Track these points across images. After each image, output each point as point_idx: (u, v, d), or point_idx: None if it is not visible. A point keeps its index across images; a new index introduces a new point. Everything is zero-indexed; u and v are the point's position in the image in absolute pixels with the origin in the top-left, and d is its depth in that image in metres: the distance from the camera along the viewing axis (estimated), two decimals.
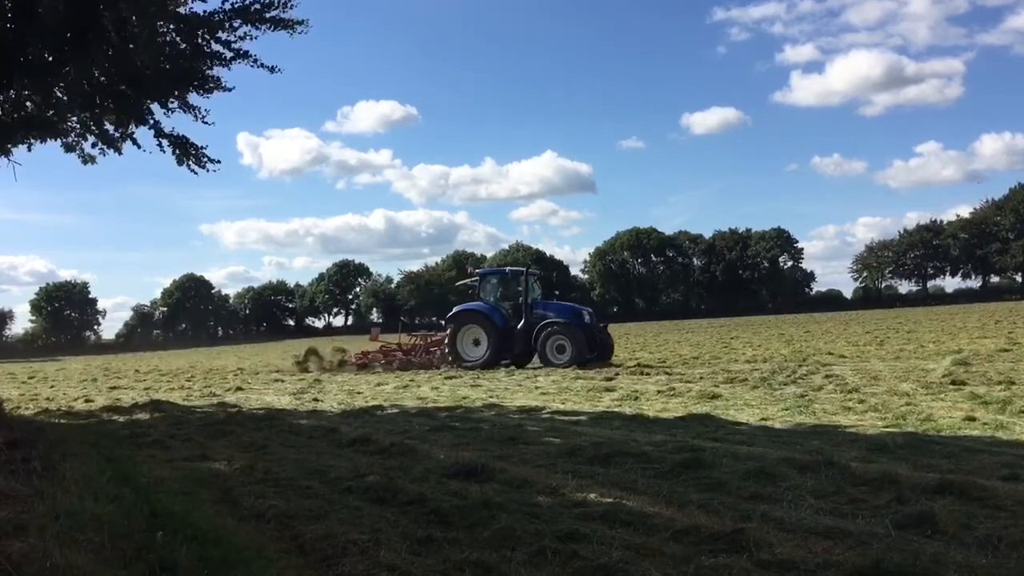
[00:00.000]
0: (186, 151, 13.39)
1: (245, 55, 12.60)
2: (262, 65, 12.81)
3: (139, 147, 13.56)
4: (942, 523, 5.06)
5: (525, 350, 21.52)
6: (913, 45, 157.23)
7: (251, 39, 12.52)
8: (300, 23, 12.57)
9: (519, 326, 21.54)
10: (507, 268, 24.75)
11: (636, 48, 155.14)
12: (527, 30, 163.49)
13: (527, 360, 21.84)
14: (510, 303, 22.33)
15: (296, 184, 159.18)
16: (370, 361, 23.79)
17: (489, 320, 21.77)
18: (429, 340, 24.59)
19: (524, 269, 23.29)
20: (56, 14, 9.61)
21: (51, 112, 12.58)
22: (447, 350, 22.25)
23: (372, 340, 25.58)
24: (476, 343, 21.79)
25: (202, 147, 13.51)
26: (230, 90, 13.20)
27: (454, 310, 22.80)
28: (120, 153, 13.76)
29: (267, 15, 12.33)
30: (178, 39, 12.43)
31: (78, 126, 13.54)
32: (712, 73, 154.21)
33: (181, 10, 12.10)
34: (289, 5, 12.35)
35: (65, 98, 12.29)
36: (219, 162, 13.90)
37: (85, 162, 14.00)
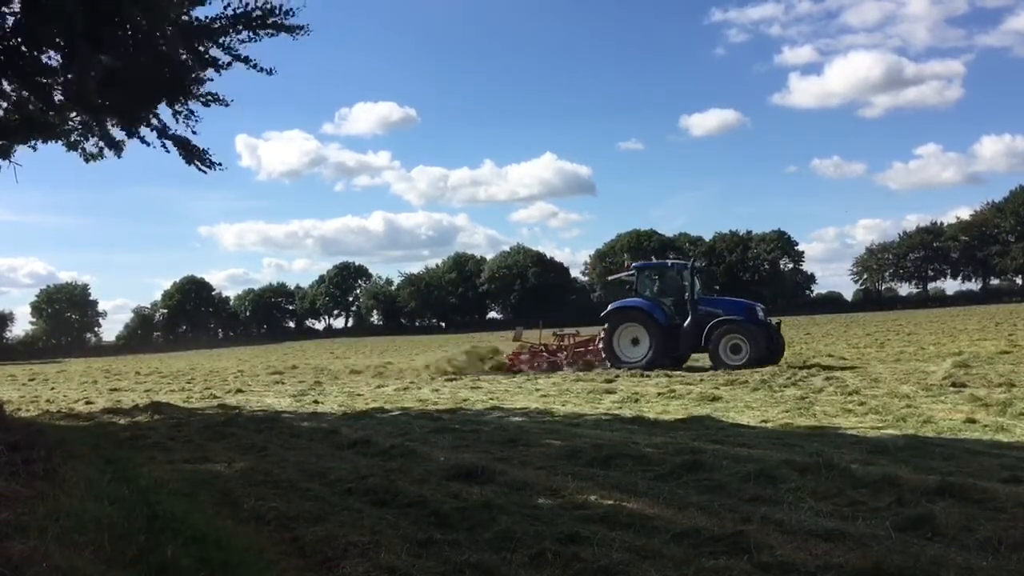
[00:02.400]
0: (191, 152, 13.42)
1: (245, 60, 12.62)
2: (260, 68, 12.83)
3: (147, 144, 13.58)
4: (942, 525, 5.06)
5: (690, 350, 19.86)
6: (912, 46, 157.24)
7: (253, 42, 12.55)
8: (300, 28, 12.60)
9: (685, 324, 19.54)
10: (669, 260, 22.77)
11: (634, 49, 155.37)
12: (526, 31, 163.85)
13: (684, 360, 20.29)
14: (671, 298, 20.42)
15: (295, 186, 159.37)
16: (520, 363, 21.73)
17: (651, 317, 19.72)
18: (574, 340, 22.68)
19: (688, 261, 21.54)
20: (73, 8, 9.60)
21: (52, 113, 12.59)
22: (603, 350, 20.31)
23: (515, 340, 23.56)
24: (635, 342, 19.79)
25: (204, 150, 13.54)
26: (228, 104, 13.26)
27: (610, 307, 20.68)
28: (119, 156, 13.80)
29: (269, 21, 12.35)
30: (179, 45, 12.43)
31: (79, 127, 13.56)
32: (711, 75, 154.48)
33: (186, 17, 12.12)
34: (291, 13, 12.38)
35: (65, 101, 12.30)
36: (221, 163, 13.94)
37: (88, 160, 14.03)
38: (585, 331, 23.39)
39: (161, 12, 10.78)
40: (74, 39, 10.43)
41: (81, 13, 9.73)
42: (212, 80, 12.97)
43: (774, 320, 20.33)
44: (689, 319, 19.54)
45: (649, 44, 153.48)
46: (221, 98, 13.11)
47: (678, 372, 18.25)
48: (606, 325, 20.24)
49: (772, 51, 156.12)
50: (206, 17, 12.43)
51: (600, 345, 20.80)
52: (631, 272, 21.69)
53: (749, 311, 19.64)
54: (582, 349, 21.78)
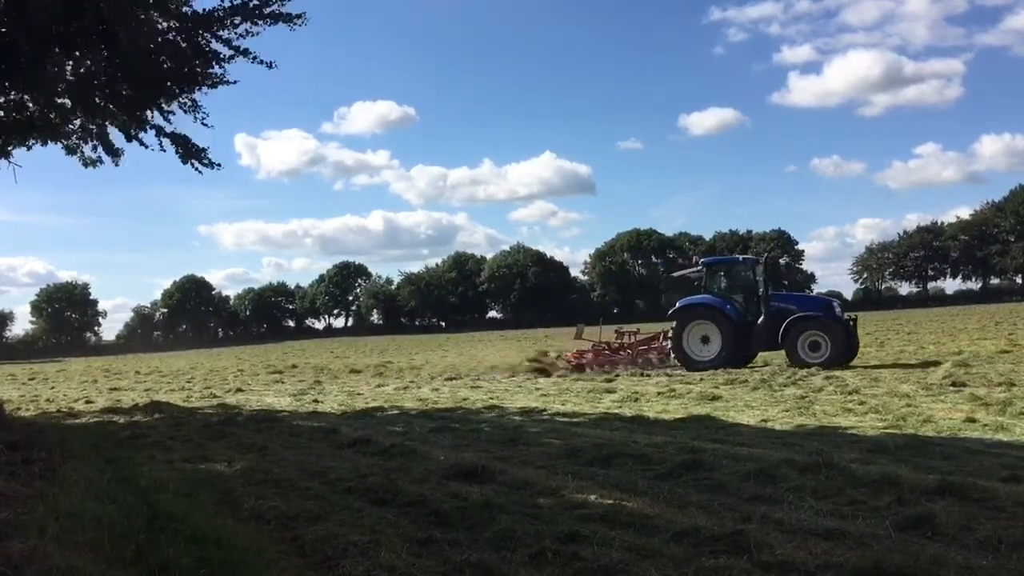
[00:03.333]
0: (188, 151, 13.41)
1: (244, 52, 12.60)
2: (260, 61, 12.81)
3: (145, 146, 13.58)
4: (942, 524, 5.06)
5: (765, 348, 18.98)
6: (912, 45, 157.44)
7: (252, 36, 12.52)
8: (299, 16, 12.59)
9: (759, 321, 18.69)
10: (739, 256, 22.10)
11: (633, 48, 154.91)
12: (525, 31, 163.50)
13: (750, 359, 19.47)
14: (741, 295, 19.59)
15: (294, 185, 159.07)
16: (585, 361, 20.85)
17: (722, 315, 18.90)
18: (635, 338, 21.83)
19: (759, 257, 20.51)
20: (51, 9, 9.60)
21: (52, 115, 12.59)
22: (671, 349, 19.59)
23: (577, 338, 22.59)
24: (705, 341, 18.99)
25: (203, 149, 13.53)
26: (234, 83, 13.19)
27: (678, 304, 19.83)
28: (117, 164, 13.82)
29: (266, 10, 12.33)
30: (178, 38, 12.43)
31: (79, 129, 13.55)
32: (710, 74, 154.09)
33: (184, 10, 12.11)
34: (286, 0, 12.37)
35: (66, 102, 12.29)
36: (219, 165, 13.92)
37: (87, 165, 14.03)
38: (653, 332, 22.46)
39: (159, 4, 10.78)
40: (54, 43, 10.44)
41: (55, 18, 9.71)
42: (215, 72, 12.96)
43: (848, 316, 19.38)
44: (763, 316, 18.71)
45: (648, 43, 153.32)
46: (226, 79, 13.05)
47: (678, 372, 18.22)
48: (674, 323, 19.51)
49: (771, 50, 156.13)
50: (204, 9, 12.43)
51: (663, 343, 20.34)
52: (698, 268, 20.92)
53: (827, 307, 18.93)
54: (646, 347, 21.19)
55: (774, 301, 19.03)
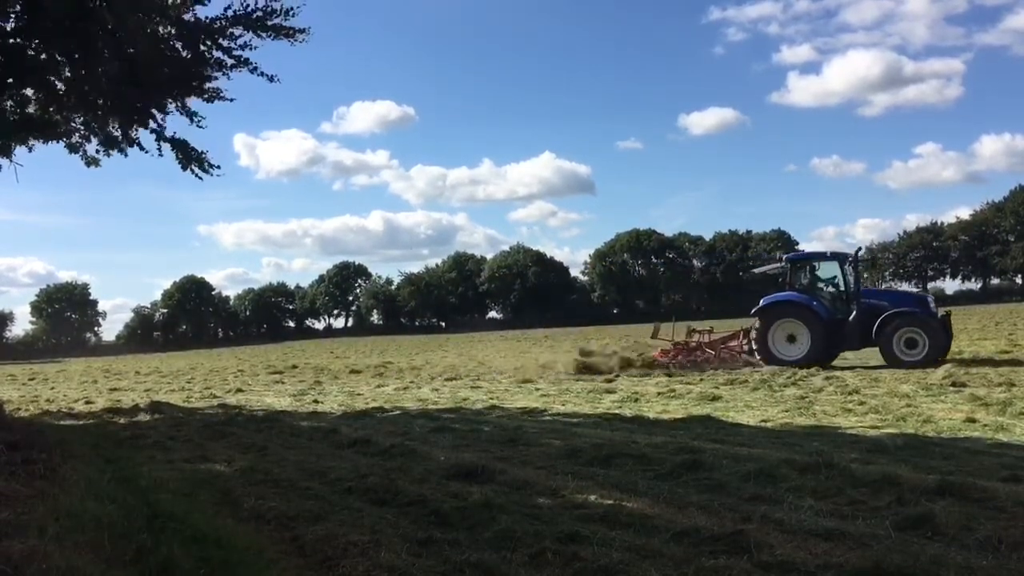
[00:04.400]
0: (188, 156, 13.42)
1: (245, 62, 12.62)
2: (261, 73, 12.85)
3: (143, 150, 13.59)
4: (942, 525, 5.06)
5: (856, 346, 18.27)
6: (911, 45, 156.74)
7: (251, 49, 12.54)
8: (302, 31, 12.60)
9: (851, 318, 18.04)
10: (827, 251, 20.94)
11: (633, 48, 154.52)
12: (524, 30, 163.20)
13: (833, 357, 18.76)
14: (829, 291, 19.03)
15: (293, 185, 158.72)
16: (670, 359, 19.95)
17: (810, 312, 18.24)
18: (709, 336, 21.08)
19: (849, 252, 19.75)
20: (59, 12, 9.63)
21: (54, 113, 12.61)
22: (756, 348, 18.85)
23: (654, 337, 21.86)
24: (791, 339, 18.33)
25: (203, 152, 13.54)
26: (231, 100, 13.27)
27: (762, 302, 19.10)
28: (125, 155, 13.77)
29: (269, 23, 12.34)
30: (179, 44, 12.45)
31: (81, 127, 13.56)
32: (709, 74, 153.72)
33: (185, 16, 12.12)
34: (291, 13, 12.37)
35: (69, 100, 12.30)
36: (219, 167, 13.92)
37: (89, 164, 14.03)
38: (731, 330, 21.64)
39: (160, 9, 10.80)
40: (63, 46, 10.46)
41: (65, 22, 9.72)
42: (217, 79, 12.98)
43: (941, 311, 18.74)
44: (854, 313, 18.06)
45: (647, 43, 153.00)
46: (223, 94, 13.11)
47: (678, 372, 18.19)
48: (758, 321, 18.77)
49: (771, 50, 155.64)
50: (206, 17, 12.44)
51: (742, 341, 19.82)
52: (782, 264, 20.17)
53: (921, 302, 18.39)
54: (729, 344, 20.47)
55: (864, 297, 18.43)
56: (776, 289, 20.13)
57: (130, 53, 11.05)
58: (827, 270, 19.38)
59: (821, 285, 19.28)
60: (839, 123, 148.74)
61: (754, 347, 18.93)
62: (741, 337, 20.21)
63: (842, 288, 18.81)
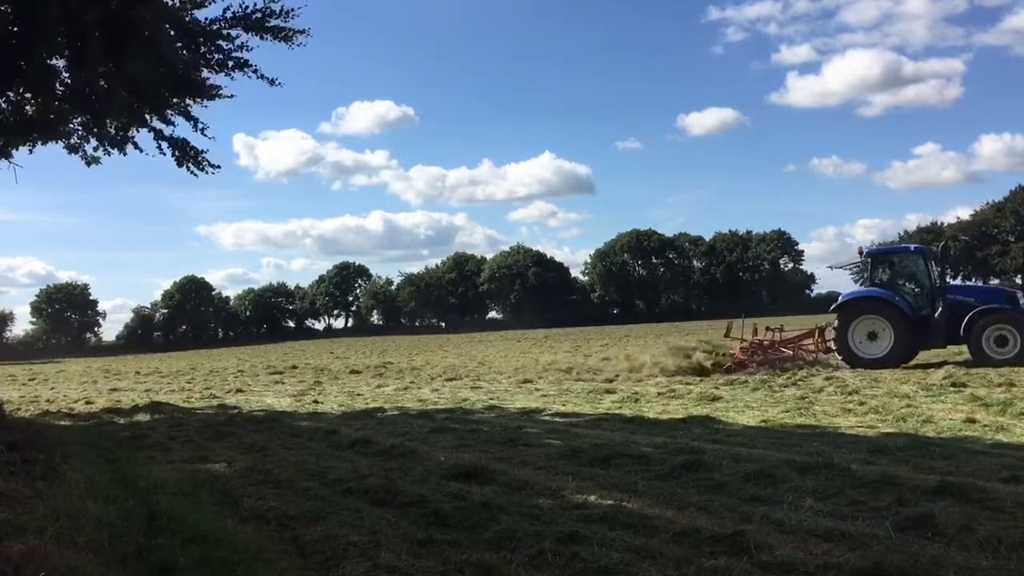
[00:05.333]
0: (186, 154, 13.41)
1: (246, 64, 12.60)
2: (262, 76, 12.83)
3: (140, 150, 13.58)
4: (942, 525, 5.07)
5: (942, 343, 17.69)
6: (911, 45, 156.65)
7: (248, 50, 12.52)
8: (301, 32, 12.58)
9: (936, 314, 17.34)
10: (911, 245, 20.38)
11: (632, 48, 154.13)
12: (524, 31, 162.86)
13: (913, 356, 17.96)
14: (912, 287, 18.25)
15: (292, 185, 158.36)
16: (750, 359, 19.03)
17: (894, 308, 17.49)
18: (781, 335, 20.23)
19: (932, 246, 19.08)
20: (58, 16, 9.64)
21: (52, 115, 12.59)
22: (835, 346, 18.15)
23: (727, 336, 21.10)
24: (872, 337, 17.58)
25: (202, 151, 13.53)
26: (230, 97, 13.24)
27: (842, 298, 18.61)
28: (124, 153, 13.76)
29: (268, 24, 12.32)
30: (179, 46, 12.43)
31: (80, 128, 13.55)
32: (708, 74, 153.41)
33: (184, 17, 12.11)
34: (291, 15, 12.36)
35: (67, 102, 12.29)
36: (219, 166, 13.90)
37: (89, 163, 14.02)
38: (803, 329, 20.91)
39: (161, 12, 10.79)
40: (63, 50, 10.44)
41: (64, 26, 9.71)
42: (220, 87, 12.97)
43: None
44: (940, 309, 17.39)
45: (646, 43, 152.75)
46: (222, 92, 13.08)
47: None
48: (838, 318, 18.02)
49: (770, 50, 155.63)
50: (205, 19, 12.43)
51: (818, 339, 19.15)
52: (863, 260, 19.30)
53: (1011, 298, 17.60)
54: (804, 343, 19.79)
55: (950, 293, 17.78)
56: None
57: (130, 55, 11.03)
58: (910, 265, 18.75)
59: (902, 281, 18.57)
60: (839, 123, 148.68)
61: (832, 346, 18.29)
62: (816, 335, 19.51)
63: (926, 283, 18.05)
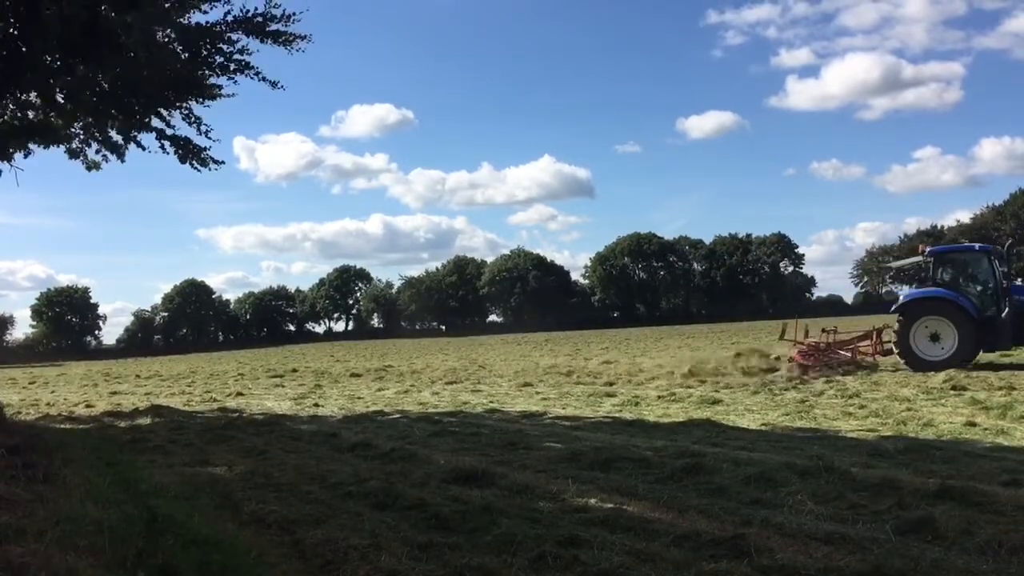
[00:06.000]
0: (188, 151, 13.42)
1: (247, 66, 12.62)
2: (263, 79, 12.85)
3: (144, 149, 13.60)
4: (942, 529, 5.06)
5: (1009, 344, 17.19)
6: (910, 48, 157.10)
7: (249, 53, 12.54)
8: (303, 37, 12.60)
9: (1003, 315, 16.76)
10: (975, 243, 19.75)
11: (631, 51, 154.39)
12: (523, 33, 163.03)
13: (973, 357, 17.31)
14: (977, 287, 17.71)
15: (292, 188, 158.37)
16: (808, 361, 18.21)
17: (960, 309, 16.94)
18: (835, 336, 19.54)
19: (997, 245, 18.53)
20: (59, 19, 9.65)
21: (54, 117, 12.62)
22: (897, 348, 17.51)
23: (782, 339, 20.23)
24: (934, 338, 17.08)
25: (205, 148, 13.55)
26: (232, 96, 13.24)
27: (903, 298, 18.09)
28: (123, 160, 13.79)
29: (269, 28, 12.34)
30: (179, 48, 12.46)
31: (81, 132, 13.57)
32: (708, 77, 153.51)
33: (183, 20, 12.14)
34: (292, 19, 12.38)
35: (68, 105, 12.32)
36: (222, 162, 13.92)
37: (89, 168, 14.05)
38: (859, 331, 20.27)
39: (161, 14, 10.81)
40: (65, 53, 10.46)
41: (66, 29, 9.72)
42: (221, 87, 12.99)
43: None
44: (1007, 310, 16.83)
45: (645, 46, 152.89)
46: (222, 93, 13.09)
47: (666, 378, 17.89)
48: (900, 319, 17.40)
49: (769, 53, 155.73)
50: (206, 22, 12.46)
51: (875, 341, 18.64)
52: (925, 259, 18.57)
53: None
54: (866, 344, 19.07)
55: (1015, 293, 17.14)
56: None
57: (131, 58, 11.06)
58: (973, 264, 18.19)
59: (965, 281, 17.96)
60: (838, 127, 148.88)
61: (893, 348, 17.69)
62: (874, 337, 18.94)
63: (990, 283, 17.46)
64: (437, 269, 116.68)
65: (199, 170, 13.64)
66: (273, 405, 16.26)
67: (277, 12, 12.26)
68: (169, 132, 13.30)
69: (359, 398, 16.93)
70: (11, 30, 10.59)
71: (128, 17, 10.12)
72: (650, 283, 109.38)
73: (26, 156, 13.30)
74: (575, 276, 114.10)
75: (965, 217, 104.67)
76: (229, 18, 12.23)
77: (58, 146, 13.54)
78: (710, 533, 5.21)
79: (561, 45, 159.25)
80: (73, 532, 5.09)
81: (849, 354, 18.46)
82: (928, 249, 18.67)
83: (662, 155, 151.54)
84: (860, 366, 17.65)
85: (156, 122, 13.23)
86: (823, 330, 19.66)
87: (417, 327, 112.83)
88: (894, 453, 7.70)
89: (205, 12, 12.38)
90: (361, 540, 5.31)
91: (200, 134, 13.20)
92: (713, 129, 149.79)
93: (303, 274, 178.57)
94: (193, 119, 13.13)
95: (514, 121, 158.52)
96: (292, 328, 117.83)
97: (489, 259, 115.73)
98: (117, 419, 14.65)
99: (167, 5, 11.68)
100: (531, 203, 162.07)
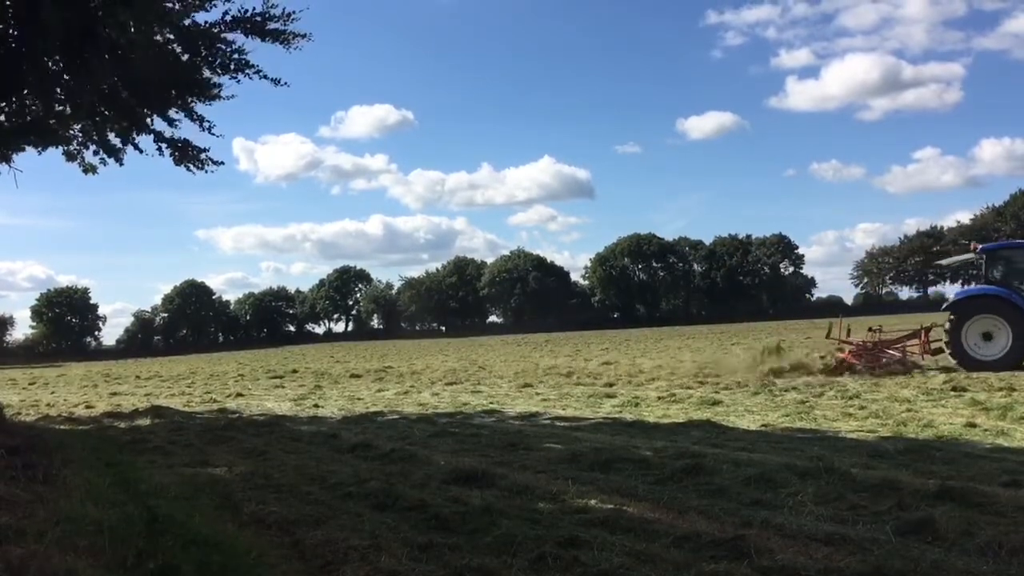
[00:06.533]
0: (186, 153, 13.42)
1: (247, 65, 12.62)
2: (265, 76, 12.85)
3: (141, 152, 13.59)
4: (943, 529, 5.06)
5: None
6: (910, 49, 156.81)
7: (245, 53, 12.54)
8: (303, 36, 12.61)
9: None
10: None
11: (631, 52, 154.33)
12: (523, 34, 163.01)
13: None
14: None
15: (292, 189, 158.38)
16: (860, 361, 17.70)
17: (1013, 307, 16.51)
18: (879, 336, 18.93)
19: None
20: (58, 20, 9.66)
21: (53, 120, 12.61)
22: (949, 348, 17.08)
23: (829, 337, 19.90)
24: (987, 337, 16.64)
25: (204, 149, 13.55)
26: (231, 98, 13.25)
27: (955, 296, 17.72)
28: (121, 164, 13.78)
29: (267, 27, 12.35)
30: (178, 48, 12.47)
31: (80, 134, 13.57)
32: (708, 78, 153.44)
33: (185, 23, 12.14)
34: (291, 18, 12.38)
35: (67, 109, 12.32)
36: (222, 163, 13.92)
37: (86, 171, 14.05)
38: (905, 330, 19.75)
39: (156, 18, 10.81)
40: (64, 54, 10.47)
41: (65, 30, 9.72)
42: (222, 86, 13.00)
43: None
44: None
45: (645, 46, 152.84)
46: (222, 93, 13.09)
47: (677, 377, 18.11)
48: (951, 317, 16.98)
49: (768, 54, 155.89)
50: (206, 22, 12.46)
51: (925, 339, 18.15)
52: (977, 256, 18.16)
53: None
54: (914, 343, 18.60)
55: None
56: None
57: (131, 59, 11.06)
58: None
59: (1019, 279, 17.44)
60: (838, 127, 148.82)
61: (943, 347, 17.30)
62: (922, 335, 18.42)
63: None
64: (437, 270, 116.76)
65: (193, 172, 13.64)
66: (273, 406, 16.25)
67: (276, 12, 12.27)
68: (168, 134, 13.31)
69: (359, 399, 16.93)
70: (10, 31, 10.59)
71: (124, 17, 10.12)
72: (650, 284, 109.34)
73: (12, 158, 13.28)
74: (575, 277, 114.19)
75: (965, 218, 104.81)
76: (228, 18, 12.25)
77: (57, 147, 13.55)
78: (710, 534, 5.21)
79: (561, 45, 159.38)
80: (73, 532, 5.10)
81: (899, 353, 18.07)
82: (980, 246, 18.25)
83: (662, 155, 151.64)
84: (913, 365, 17.20)
85: (157, 123, 13.25)
86: (869, 329, 19.24)
87: (417, 328, 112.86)
88: (894, 454, 7.70)
89: (207, 11, 12.40)
90: (361, 541, 5.31)
91: (203, 130, 13.21)
92: (713, 130, 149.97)
93: (303, 275, 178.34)
94: (195, 116, 13.13)
95: (514, 121, 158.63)
96: (292, 329, 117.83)
97: (489, 260, 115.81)
98: (117, 420, 14.66)
99: (167, 6, 11.68)
100: (531, 204, 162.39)
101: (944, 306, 17.71)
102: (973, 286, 18.01)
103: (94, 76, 10.61)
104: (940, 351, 17.50)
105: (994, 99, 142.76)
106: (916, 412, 10.53)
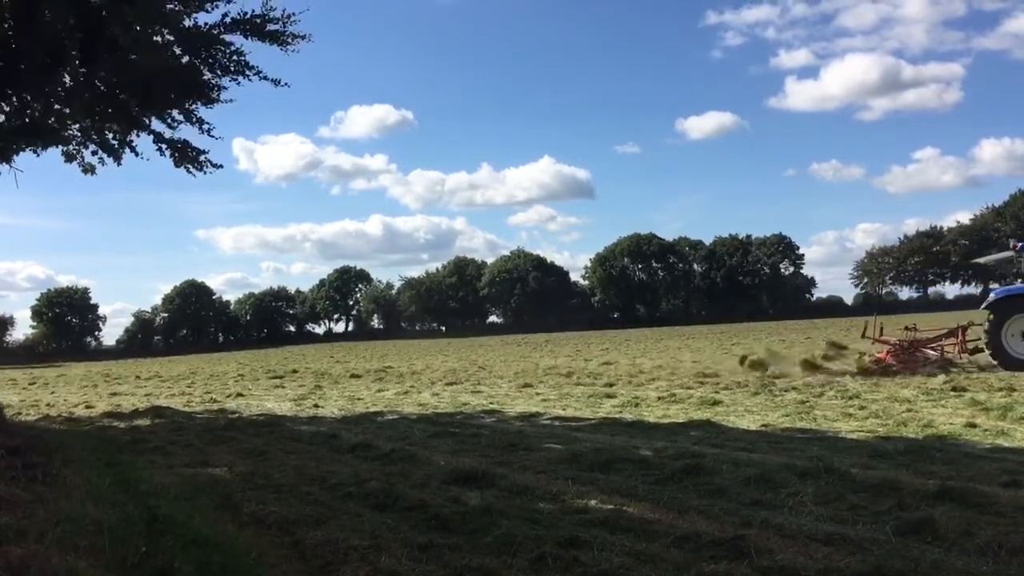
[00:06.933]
0: (185, 155, 13.43)
1: (247, 66, 12.62)
2: (265, 77, 12.85)
3: (138, 155, 13.61)
4: (942, 530, 5.06)
5: None
6: (910, 49, 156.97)
7: (243, 55, 12.54)
8: (302, 37, 12.60)
9: None
10: None
11: (630, 52, 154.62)
12: (523, 34, 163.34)
13: None
14: None
15: (292, 189, 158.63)
16: (897, 361, 17.34)
17: None
18: (915, 335, 18.60)
19: None
20: (60, 22, 9.67)
21: (52, 120, 12.62)
22: (988, 348, 16.69)
23: (863, 336, 19.34)
24: None
25: (204, 151, 13.56)
26: (230, 102, 13.27)
27: (993, 295, 17.33)
28: (119, 164, 13.79)
29: (267, 29, 12.34)
30: (179, 50, 12.48)
31: (79, 134, 13.57)
32: (707, 78, 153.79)
33: (185, 24, 12.15)
34: (291, 20, 12.38)
35: (67, 109, 12.33)
36: (220, 166, 13.92)
37: (85, 171, 14.06)
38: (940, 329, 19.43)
39: (157, 19, 10.82)
40: (64, 55, 10.47)
41: (66, 32, 9.73)
42: (225, 87, 13.01)
43: None
44: None
45: (645, 47, 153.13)
46: (221, 96, 13.10)
47: (677, 377, 18.11)
48: (990, 316, 16.59)
49: (768, 54, 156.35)
50: (205, 24, 12.46)
51: (962, 339, 17.89)
52: (1017, 254, 17.80)
53: None
54: (951, 342, 18.28)
55: None
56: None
57: (131, 60, 11.08)
58: None
59: None
60: (838, 128, 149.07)
61: (980, 346, 16.98)
62: (959, 335, 18.10)
63: None
64: (437, 270, 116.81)
65: (193, 174, 13.65)
66: (273, 406, 16.26)
67: (275, 13, 12.27)
68: (168, 135, 13.32)
69: (359, 399, 16.93)
70: (9, 31, 10.59)
71: (127, 15, 10.13)
72: (650, 284, 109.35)
73: (17, 153, 13.30)
74: (575, 277, 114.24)
75: (965, 218, 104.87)
76: (227, 20, 12.25)
77: (56, 147, 13.55)
78: (710, 534, 5.21)
79: (561, 45, 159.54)
80: (73, 533, 5.10)
81: (936, 353, 17.71)
82: (1020, 244, 17.85)
83: (662, 156, 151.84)
84: (951, 365, 16.82)
85: (156, 124, 13.26)
86: (904, 328, 18.88)
87: (417, 328, 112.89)
88: (894, 454, 7.70)
89: (208, 11, 12.40)
90: (361, 541, 5.31)
91: (203, 133, 13.22)
92: (713, 130, 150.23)
93: (303, 275, 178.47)
94: (195, 119, 13.14)
95: (514, 121, 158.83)
96: (292, 329, 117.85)
97: (489, 260, 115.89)
98: (117, 420, 14.66)
99: (167, 7, 11.69)
100: (531, 204, 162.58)
101: (983, 305, 17.32)
102: (1013, 285, 17.51)
103: (94, 76, 10.62)
104: (978, 350, 17.14)
105: (994, 99, 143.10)
106: (916, 412, 10.52)
